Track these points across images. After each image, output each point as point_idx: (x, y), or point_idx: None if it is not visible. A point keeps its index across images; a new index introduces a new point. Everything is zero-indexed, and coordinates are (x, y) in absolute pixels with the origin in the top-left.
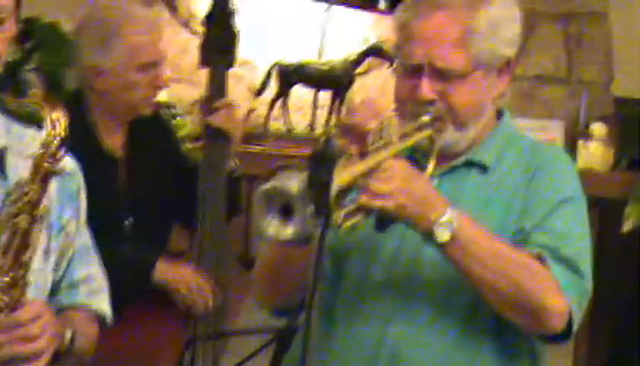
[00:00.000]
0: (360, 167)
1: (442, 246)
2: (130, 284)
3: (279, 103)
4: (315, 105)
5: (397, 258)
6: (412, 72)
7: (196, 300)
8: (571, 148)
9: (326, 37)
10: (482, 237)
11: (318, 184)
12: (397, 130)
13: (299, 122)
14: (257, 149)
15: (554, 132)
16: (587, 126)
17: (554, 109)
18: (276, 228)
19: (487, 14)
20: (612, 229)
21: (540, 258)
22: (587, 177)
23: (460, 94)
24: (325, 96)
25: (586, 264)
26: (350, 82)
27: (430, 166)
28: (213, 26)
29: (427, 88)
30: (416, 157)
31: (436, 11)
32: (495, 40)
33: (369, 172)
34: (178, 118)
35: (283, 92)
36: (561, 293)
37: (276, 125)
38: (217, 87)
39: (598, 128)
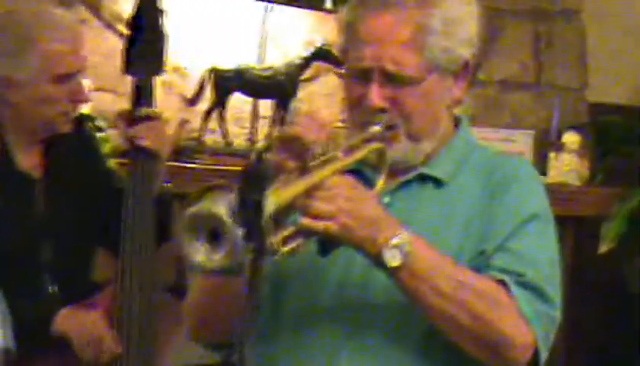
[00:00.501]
0: (300, 185)
1: (392, 272)
2: (28, 337)
3: (215, 114)
4: (255, 116)
5: (344, 285)
6: (360, 78)
7: (91, 353)
8: (542, 160)
9: (267, 40)
10: (437, 261)
11: (250, 206)
12: (343, 143)
13: (238, 135)
14: (190, 165)
15: (522, 143)
16: (558, 137)
17: (521, 117)
18: (204, 256)
19: (441, 12)
20: (588, 249)
21: (502, 284)
22: (559, 192)
23: (414, 100)
24: (267, 105)
25: (554, 290)
26: (294, 90)
27: (380, 182)
28: (139, 28)
29: (376, 95)
30: (365, 172)
31: (386, 9)
32: (451, 40)
33: (311, 191)
34: (102, 132)
35: (219, 102)
36: (526, 324)
37: (213, 138)
38: (143, 96)
39: (571, 138)
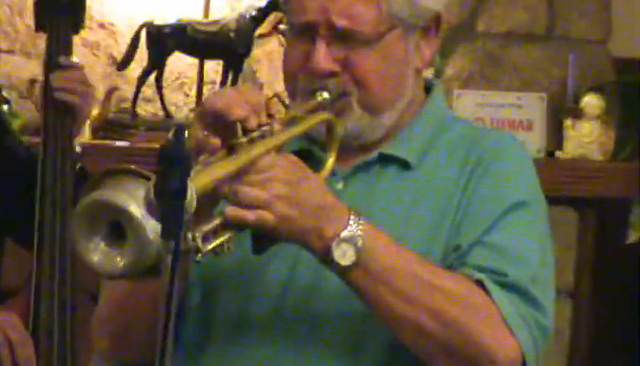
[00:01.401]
0: (225, 166)
1: (343, 271)
2: None
3: (151, 79)
4: (200, 81)
5: (288, 288)
6: (303, 35)
7: (4, 355)
8: (556, 130)
9: None
10: (399, 258)
11: (167, 195)
12: (282, 114)
13: (180, 105)
14: (120, 143)
15: (531, 109)
16: (576, 101)
17: (530, 78)
18: (103, 256)
19: None
20: (614, 238)
21: (480, 285)
22: (577, 169)
23: (370, 62)
24: (215, 68)
25: (544, 293)
26: (248, 48)
27: (329, 163)
28: None
29: (323, 56)
30: (312, 151)
31: None
32: None
33: (239, 174)
34: (8, 104)
35: (155, 64)
36: (509, 332)
37: (148, 110)
38: (60, 58)
39: (592, 102)
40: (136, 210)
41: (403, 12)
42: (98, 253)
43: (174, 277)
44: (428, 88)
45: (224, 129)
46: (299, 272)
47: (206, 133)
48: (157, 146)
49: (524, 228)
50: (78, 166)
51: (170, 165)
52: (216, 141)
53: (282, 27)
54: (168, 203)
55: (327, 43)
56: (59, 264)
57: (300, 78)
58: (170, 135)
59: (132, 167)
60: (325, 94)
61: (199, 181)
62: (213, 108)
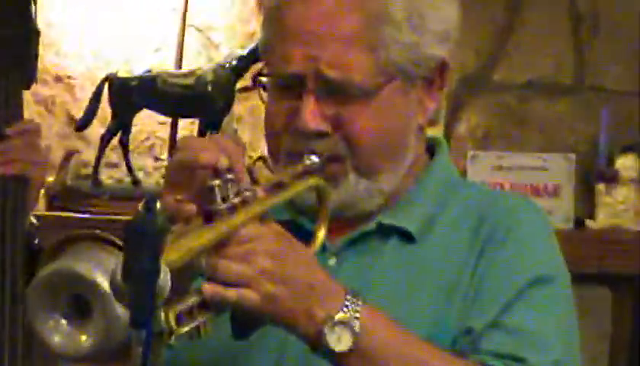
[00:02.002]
0: (203, 237)
1: (337, 359)
2: None
3: (115, 141)
4: (173, 142)
5: None
6: (289, 88)
7: None
8: (587, 196)
9: (188, 31)
10: (402, 344)
11: (135, 276)
12: (266, 178)
13: (150, 170)
14: (80, 215)
15: (557, 171)
16: (609, 162)
17: (556, 135)
18: (64, 336)
19: None
20: None
21: None
22: (612, 241)
23: (366, 120)
24: (189, 127)
25: None
26: (228, 104)
27: (320, 235)
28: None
29: (311, 113)
30: (299, 222)
31: None
32: (420, 32)
33: (218, 246)
34: None
35: (121, 123)
36: None
37: (113, 175)
38: (9, 116)
39: (628, 164)
40: (103, 281)
41: (403, 60)
42: (59, 333)
43: (146, 363)
44: (431, 148)
45: (201, 192)
46: (288, 360)
47: (179, 197)
48: (122, 218)
49: (545, 307)
50: (36, 241)
51: (139, 243)
52: (190, 207)
53: (262, 78)
54: (137, 287)
55: (315, 97)
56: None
57: (285, 138)
58: (139, 206)
59: (97, 232)
60: (314, 158)
61: (172, 254)
62: (179, 159)
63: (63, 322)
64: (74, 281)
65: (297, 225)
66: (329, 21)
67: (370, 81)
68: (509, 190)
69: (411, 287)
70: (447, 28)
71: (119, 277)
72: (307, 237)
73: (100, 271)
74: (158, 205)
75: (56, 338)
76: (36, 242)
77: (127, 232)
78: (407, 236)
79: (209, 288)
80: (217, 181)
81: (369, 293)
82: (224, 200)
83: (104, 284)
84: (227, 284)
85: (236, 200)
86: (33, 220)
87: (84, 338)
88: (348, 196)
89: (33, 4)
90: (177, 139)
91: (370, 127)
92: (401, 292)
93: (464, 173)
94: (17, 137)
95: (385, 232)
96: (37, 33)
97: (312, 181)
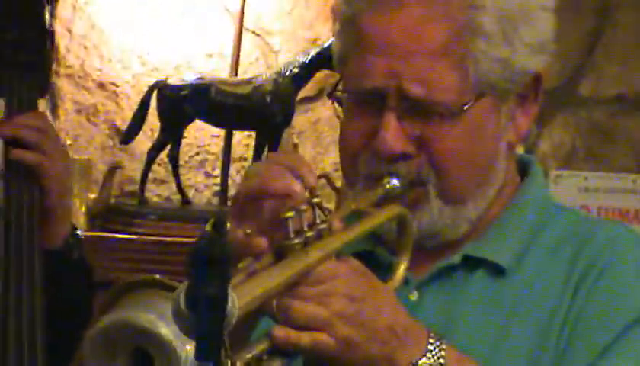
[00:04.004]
0: (276, 276)
1: None
2: None
3: (163, 155)
4: (227, 157)
5: None
6: (368, 104)
7: None
8: None
9: (244, 36)
10: None
11: (202, 302)
12: (342, 206)
13: (201, 187)
14: (125, 236)
15: None
16: None
17: None
18: None
19: (495, 4)
20: None
21: None
22: None
23: (453, 141)
24: (245, 140)
25: None
26: (288, 116)
27: (401, 269)
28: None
29: (393, 133)
30: (376, 254)
31: None
32: (513, 45)
33: (292, 285)
34: None
35: (170, 136)
36: None
37: (161, 193)
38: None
39: None
40: (167, 332)
41: (494, 76)
42: None
43: None
44: (522, 168)
45: (270, 223)
46: None
47: (248, 231)
48: (170, 239)
49: None
50: (76, 255)
51: (206, 267)
52: (261, 242)
53: (338, 93)
54: (204, 315)
55: (398, 116)
56: None
57: (363, 159)
58: (206, 227)
59: (158, 277)
60: (395, 182)
61: (242, 295)
62: (247, 190)
63: None
64: (136, 334)
65: (375, 256)
66: (414, 32)
67: (458, 99)
68: (595, 214)
69: (502, 327)
70: (542, 39)
71: (183, 305)
72: (385, 270)
73: (164, 322)
74: (228, 226)
75: None
76: (75, 253)
77: (193, 255)
78: (496, 269)
79: (281, 333)
80: (291, 213)
81: (455, 332)
82: (297, 233)
83: (169, 334)
84: (301, 327)
85: (311, 234)
86: (78, 232)
87: None
88: (431, 224)
89: (47, 4)
90: (232, 155)
91: (458, 149)
92: (491, 333)
93: None
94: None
95: (472, 264)
96: (50, 34)
97: (395, 209)
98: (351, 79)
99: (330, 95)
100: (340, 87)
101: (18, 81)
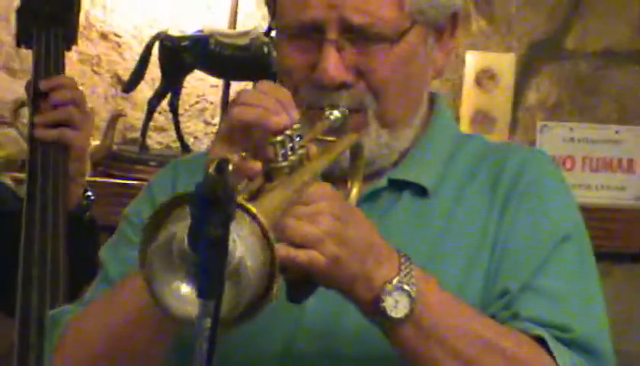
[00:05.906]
0: (278, 195)
1: (391, 325)
2: None
3: (164, 104)
4: (225, 106)
5: (299, 328)
6: (304, 38)
7: None
8: None
9: None
10: (455, 310)
11: (206, 237)
12: (305, 136)
13: (200, 134)
14: (127, 181)
15: (632, 145)
16: None
17: (632, 106)
18: (188, 300)
19: None
20: None
21: (541, 343)
22: None
23: (391, 67)
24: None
25: (608, 343)
26: None
27: (353, 193)
28: None
29: (334, 63)
30: (328, 179)
31: None
32: None
33: (289, 205)
34: None
35: (170, 85)
36: None
37: (161, 140)
38: (49, 75)
39: None
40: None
41: (425, 5)
42: (190, 303)
43: (215, 328)
44: (431, 101)
45: (258, 148)
46: (299, 342)
47: (243, 154)
48: None
49: (578, 264)
50: (87, 217)
51: (211, 208)
52: (257, 165)
53: (273, 30)
54: (207, 255)
55: (337, 47)
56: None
57: (302, 90)
58: (210, 169)
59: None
60: (337, 113)
61: (264, 212)
62: (244, 118)
63: (185, 287)
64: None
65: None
66: None
67: (395, 27)
68: (580, 163)
69: (433, 245)
70: None
71: (186, 245)
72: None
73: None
74: (230, 168)
75: (189, 308)
76: (87, 214)
77: (197, 197)
78: (419, 191)
79: (283, 251)
80: (280, 138)
81: None
82: (284, 157)
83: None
84: (298, 245)
85: (294, 158)
86: (89, 193)
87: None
88: (370, 151)
89: None
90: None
91: (396, 74)
92: (422, 247)
93: (533, 144)
94: (56, 93)
95: (398, 187)
96: None
97: (353, 137)
98: (287, 13)
99: (267, 34)
100: (273, 23)
101: (46, 33)
